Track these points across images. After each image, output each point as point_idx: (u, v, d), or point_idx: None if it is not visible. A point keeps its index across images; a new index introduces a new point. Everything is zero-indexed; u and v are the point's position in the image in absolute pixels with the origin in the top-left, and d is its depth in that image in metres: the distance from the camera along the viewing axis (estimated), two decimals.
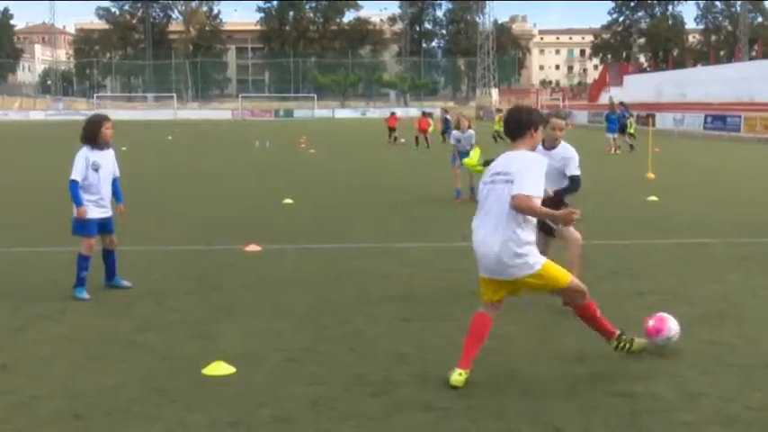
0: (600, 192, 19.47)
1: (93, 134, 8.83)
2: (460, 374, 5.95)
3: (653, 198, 17.45)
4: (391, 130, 44.14)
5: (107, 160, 8.96)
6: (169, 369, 6.39)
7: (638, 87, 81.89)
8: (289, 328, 7.58)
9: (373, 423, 5.32)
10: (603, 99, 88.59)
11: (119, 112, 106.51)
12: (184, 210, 16.05)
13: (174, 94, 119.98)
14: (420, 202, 17.46)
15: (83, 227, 8.84)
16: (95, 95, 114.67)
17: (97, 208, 8.88)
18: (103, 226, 9.02)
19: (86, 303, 8.56)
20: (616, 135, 34.63)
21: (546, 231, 8.37)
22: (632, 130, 36.32)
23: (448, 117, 42.53)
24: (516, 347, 6.96)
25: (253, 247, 11.65)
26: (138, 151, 35.03)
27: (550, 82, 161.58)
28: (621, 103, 39.22)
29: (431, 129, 40.13)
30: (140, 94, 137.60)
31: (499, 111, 48.88)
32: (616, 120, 35.27)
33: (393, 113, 47.14)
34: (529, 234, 5.98)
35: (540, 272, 5.98)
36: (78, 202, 8.72)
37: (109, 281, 9.24)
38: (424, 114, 42.32)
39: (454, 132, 18.68)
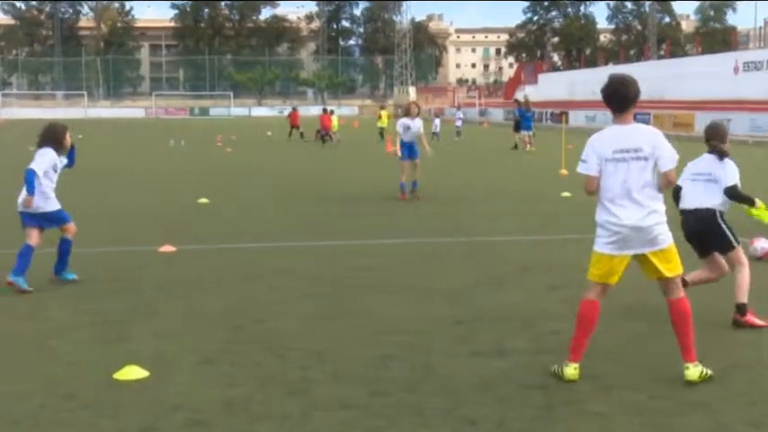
0: (514, 188, 19.74)
1: (59, 140, 9.40)
2: (575, 369, 5.97)
3: (566, 194, 17.73)
4: (294, 127, 44.18)
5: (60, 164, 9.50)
6: (80, 374, 6.23)
7: (552, 85, 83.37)
8: (204, 329, 7.48)
9: (291, 423, 5.27)
10: (518, 97, 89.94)
11: (26, 111, 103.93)
12: (96, 210, 15.70)
13: (85, 92, 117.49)
14: (335, 200, 17.43)
15: (65, 217, 9.46)
16: (0, 93, 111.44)
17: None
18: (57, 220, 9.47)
19: None
20: (531, 132, 35.14)
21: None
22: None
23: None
24: (431, 343, 6.98)
25: (167, 248, 11.47)
26: None
27: (467, 80, 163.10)
28: (516, 101, 39.90)
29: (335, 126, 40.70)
30: (49, 92, 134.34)
31: (383, 108, 48.84)
32: (531, 117, 35.82)
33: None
34: (663, 207, 5.98)
35: (670, 248, 5.94)
36: (31, 191, 9.03)
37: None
38: (325, 111, 42.39)
39: (402, 120, 18.04)
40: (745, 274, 7.45)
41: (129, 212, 15.27)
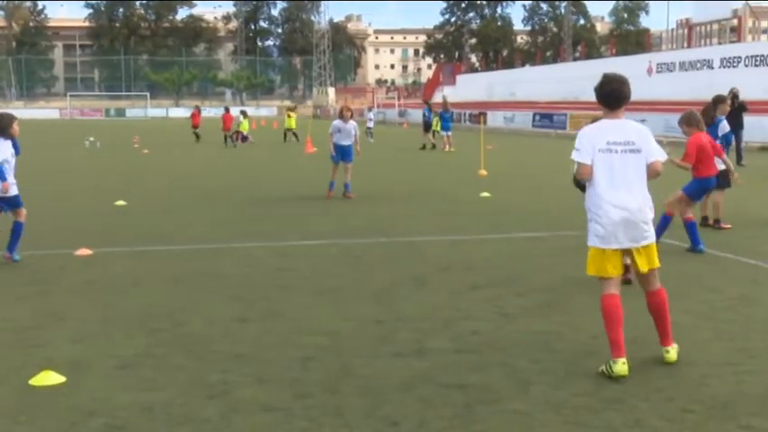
0: (433, 188, 19.88)
1: (6, 128, 10.47)
2: (624, 363, 6.06)
3: (485, 194, 17.93)
4: (195, 127, 44.06)
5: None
6: None
7: (470, 86, 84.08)
8: (121, 333, 7.36)
9: (210, 426, 5.23)
10: (437, 98, 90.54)
11: None
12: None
13: None
14: (254, 201, 17.33)
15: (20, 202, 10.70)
16: None
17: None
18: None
19: None
20: (449, 133, 35.52)
21: None
22: (437, 128, 37.46)
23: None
24: (350, 343, 7.00)
25: (83, 251, 11.26)
26: None
27: (386, 81, 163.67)
28: (426, 102, 40.38)
29: (240, 127, 40.74)
30: None
31: (290, 109, 48.82)
32: (449, 118, 36.23)
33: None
34: (651, 203, 6.29)
35: (652, 244, 6.25)
36: (3, 177, 10.25)
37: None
38: (227, 110, 42.55)
39: (335, 122, 18.14)
40: None
41: (43, 215, 14.88)
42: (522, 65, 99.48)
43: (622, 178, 6.13)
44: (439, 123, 37.15)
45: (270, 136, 43.62)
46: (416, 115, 79.95)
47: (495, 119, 62.21)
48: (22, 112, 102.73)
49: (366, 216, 14.95)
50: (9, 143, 10.49)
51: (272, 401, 5.64)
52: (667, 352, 6.39)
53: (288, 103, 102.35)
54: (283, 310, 8.16)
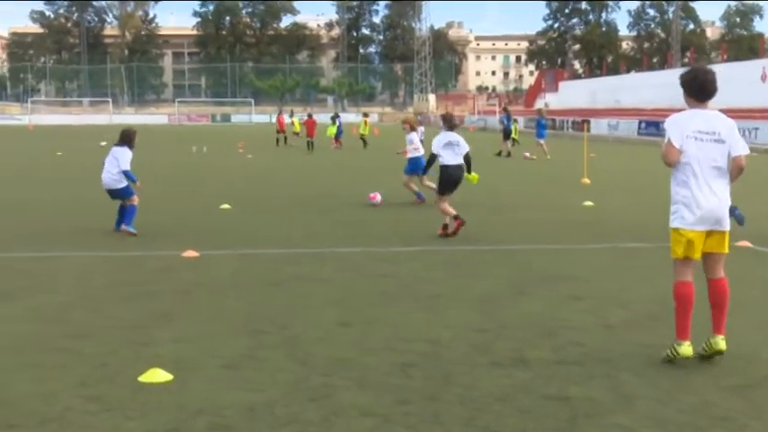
0: (535, 196, 19.70)
1: (131, 139, 13.62)
2: (689, 345, 6.41)
3: (588, 203, 17.68)
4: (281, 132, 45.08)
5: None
6: (105, 376, 6.28)
7: (573, 93, 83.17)
8: (226, 334, 7.52)
9: (313, 428, 5.30)
10: (539, 105, 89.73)
11: (53, 117, 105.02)
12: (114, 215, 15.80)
13: (110, 99, 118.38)
14: (356, 206, 17.45)
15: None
16: (30, 100, 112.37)
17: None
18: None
19: (18, 310, 8.38)
20: (544, 140, 35.23)
21: None
22: (516, 136, 37.26)
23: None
24: (452, 352, 6.98)
25: (190, 253, 11.54)
26: (72, 156, 34.57)
27: (487, 88, 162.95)
28: (504, 109, 39.90)
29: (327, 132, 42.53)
30: (76, 99, 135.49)
31: (365, 115, 48.61)
32: (545, 125, 35.94)
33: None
34: (729, 192, 6.56)
35: (728, 231, 6.53)
36: (133, 179, 13.53)
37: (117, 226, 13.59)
38: (310, 116, 43.48)
39: (411, 134, 18.63)
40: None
41: (152, 218, 15.27)
42: (628, 71, 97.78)
43: (707, 165, 6.37)
44: (517, 131, 37.07)
45: (371, 142, 43.78)
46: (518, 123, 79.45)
47: (599, 126, 61.28)
48: (133, 117, 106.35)
49: (467, 223, 14.88)
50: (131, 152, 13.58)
51: (372, 407, 5.67)
52: (721, 340, 6.45)
53: (389, 109, 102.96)
54: (384, 316, 8.20)
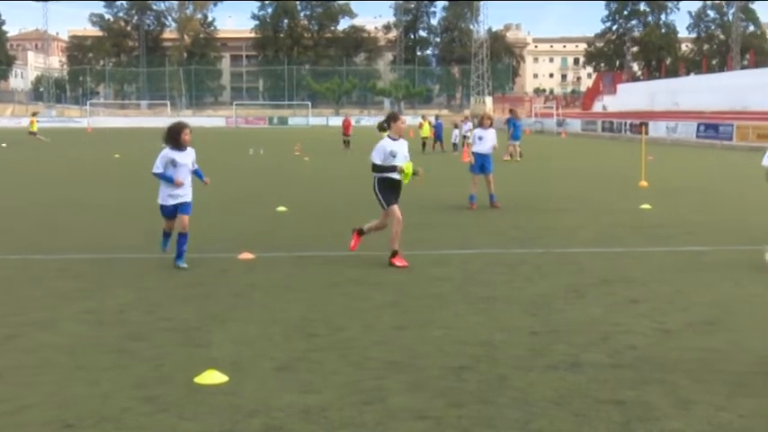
0: (591, 199, 19.51)
1: (174, 138, 11.11)
2: None
3: (646, 206, 17.47)
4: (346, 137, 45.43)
5: (186, 158, 11.17)
6: (160, 377, 6.36)
7: (631, 96, 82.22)
8: (280, 336, 7.57)
9: (366, 431, 5.31)
10: (597, 107, 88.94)
11: (112, 119, 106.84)
12: None
13: (168, 102, 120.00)
14: (413, 209, 17.42)
15: (163, 211, 11.22)
16: (88, 102, 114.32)
17: (170, 198, 11.08)
18: (177, 210, 11.11)
19: (77, 312, 8.53)
20: (518, 142, 35.17)
21: None
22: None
23: (441, 123, 43.21)
24: (505, 355, 6.95)
25: (246, 255, 11.64)
26: (130, 158, 35.11)
27: (544, 90, 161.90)
28: (511, 111, 39.01)
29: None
30: (134, 102, 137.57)
31: (424, 117, 47.90)
32: (519, 127, 35.61)
33: (347, 116, 49.92)
34: None
35: None
36: (169, 179, 11.02)
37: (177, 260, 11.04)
38: (346, 117, 45.79)
39: (476, 130, 18.23)
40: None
41: (209, 220, 15.43)
42: (687, 73, 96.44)
43: None
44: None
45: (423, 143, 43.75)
46: (575, 125, 78.97)
47: (658, 129, 60.48)
48: (191, 119, 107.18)
49: (522, 226, 14.81)
50: (174, 153, 11.09)
51: (425, 409, 5.67)
52: None
53: (446, 111, 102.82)
54: (438, 319, 8.19)
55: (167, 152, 11.06)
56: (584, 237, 13.71)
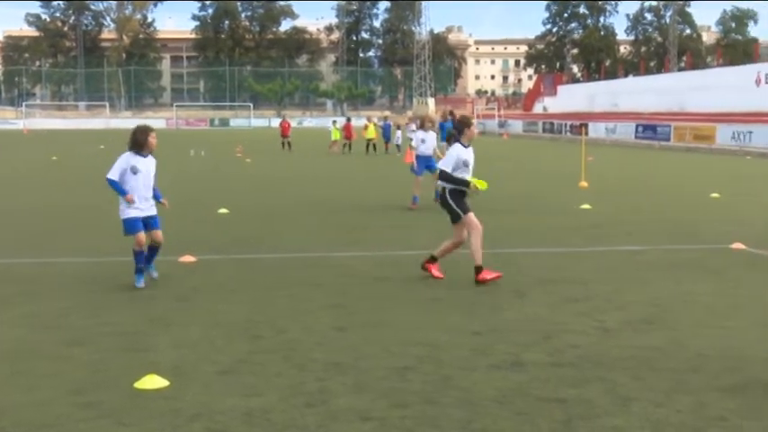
0: (532, 199, 19.70)
1: (139, 141, 9.95)
2: None
3: (586, 206, 17.69)
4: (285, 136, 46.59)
5: (148, 165, 10.05)
6: (100, 383, 6.27)
7: (571, 97, 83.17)
8: (223, 338, 7.51)
9: None
10: (538, 108, 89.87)
11: (49, 121, 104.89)
12: (116, 220, 15.79)
13: (107, 103, 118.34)
14: (354, 210, 17.45)
15: (131, 225, 9.84)
16: (24, 104, 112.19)
17: (134, 210, 9.87)
18: (147, 224, 9.97)
19: (15, 317, 8.37)
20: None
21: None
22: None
23: (390, 124, 43.41)
24: (449, 355, 6.98)
25: (187, 258, 11.53)
26: (68, 160, 34.58)
27: (486, 91, 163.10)
28: (451, 113, 38.99)
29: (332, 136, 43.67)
30: (72, 103, 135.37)
31: (369, 119, 47.62)
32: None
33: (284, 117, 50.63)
34: None
35: None
36: (121, 192, 9.81)
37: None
38: (284, 118, 47.45)
39: (419, 133, 18.42)
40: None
41: None
42: (626, 75, 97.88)
43: None
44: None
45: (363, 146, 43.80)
46: (516, 126, 79.72)
47: (597, 130, 61.32)
48: (131, 122, 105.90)
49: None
50: (136, 159, 9.95)
51: (369, 410, 5.67)
52: None
53: (388, 113, 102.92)
54: (381, 320, 8.20)
55: (128, 157, 9.86)
56: (525, 237, 13.84)
